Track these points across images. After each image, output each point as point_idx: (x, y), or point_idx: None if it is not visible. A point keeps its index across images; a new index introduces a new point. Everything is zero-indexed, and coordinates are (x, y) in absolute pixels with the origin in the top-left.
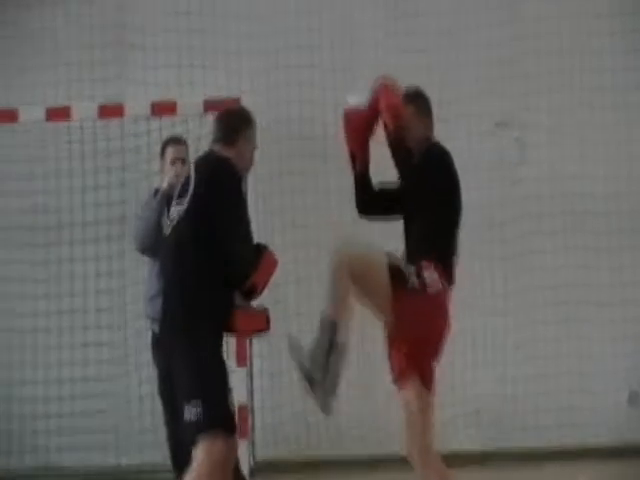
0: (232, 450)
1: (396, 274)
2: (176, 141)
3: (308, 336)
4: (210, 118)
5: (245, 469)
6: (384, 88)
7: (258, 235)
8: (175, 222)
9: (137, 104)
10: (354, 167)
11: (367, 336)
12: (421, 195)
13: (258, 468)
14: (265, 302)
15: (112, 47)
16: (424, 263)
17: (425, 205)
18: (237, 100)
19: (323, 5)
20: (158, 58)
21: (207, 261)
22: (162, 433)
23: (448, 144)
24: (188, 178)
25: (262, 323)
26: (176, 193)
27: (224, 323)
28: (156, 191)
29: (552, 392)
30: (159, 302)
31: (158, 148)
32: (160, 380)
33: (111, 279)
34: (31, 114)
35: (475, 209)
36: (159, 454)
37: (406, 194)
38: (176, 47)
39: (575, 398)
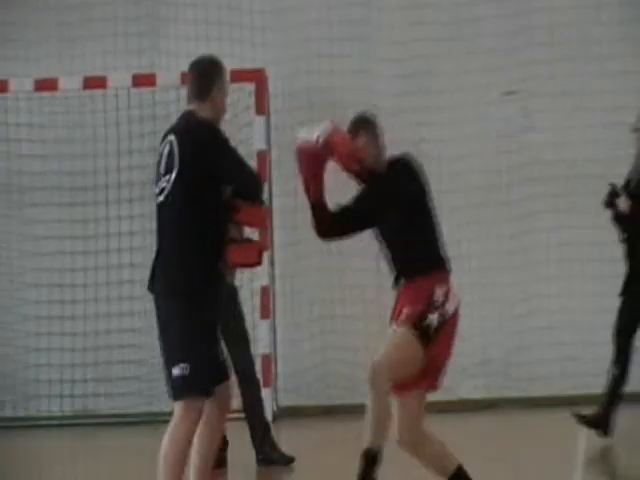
0: (228, 394)
1: (424, 335)
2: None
3: (326, 290)
4: (236, 86)
5: (269, 414)
6: (333, 132)
7: (278, 196)
8: (168, 191)
9: (168, 74)
10: (308, 196)
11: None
12: (395, 206)
13: (281, 413)
14: (288, 260)
15: (145, 20)
16: (432, 296)
17: (403, 216)
18: (261, 71)
19: None
20: (188, 31)
21: (203, 227)
22: None
23: (459, 113)
24: (171, 146)
25: (254, 257)
26: (163, 164)
27: (219, 285)
28: None
29: (555, 344)
30: None
31: None
32: None
33: (144, 236)
34: (70, 83)
35: (483, 173)
36: None
37: (379, 211)
38: (205, 21)
39: (577, 349)
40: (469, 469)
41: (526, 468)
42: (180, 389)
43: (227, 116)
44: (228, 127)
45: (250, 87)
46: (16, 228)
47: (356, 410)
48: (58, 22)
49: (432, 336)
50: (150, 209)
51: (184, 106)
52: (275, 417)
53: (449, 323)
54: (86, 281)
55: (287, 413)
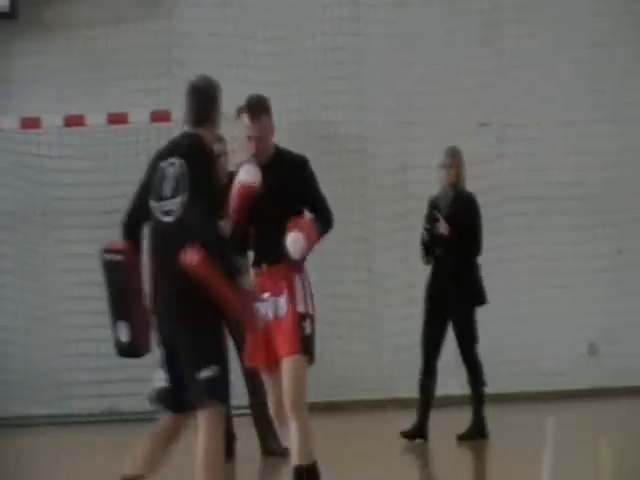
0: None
1: None
2: (217, 139)
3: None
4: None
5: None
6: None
7: None
8: (179, 212)
9: (183, 110)
10: (236, 228)
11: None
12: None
13: None
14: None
15: (161, 64)
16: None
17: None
18: None
19: (335, 29)
20: (200, 72)
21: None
22: None
23: (439, 142)
24: (179, 169)
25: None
26: (168, 189)
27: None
28: None
29: (524, 346)
30: None
31: None
32: None
33: None
34: (96, 119)
35: None
36: None
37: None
38: (214, 63)
39: (543, 350)
40: (452, 456)
41: (503, 455)
42: (211, 392)
43: (235, 147)
44: (236, 157)
45: None
46: (51, 248)
47: (353, 406)
48: (85, 65)
49: None
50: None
51: None
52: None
53: None
54: None
55: None
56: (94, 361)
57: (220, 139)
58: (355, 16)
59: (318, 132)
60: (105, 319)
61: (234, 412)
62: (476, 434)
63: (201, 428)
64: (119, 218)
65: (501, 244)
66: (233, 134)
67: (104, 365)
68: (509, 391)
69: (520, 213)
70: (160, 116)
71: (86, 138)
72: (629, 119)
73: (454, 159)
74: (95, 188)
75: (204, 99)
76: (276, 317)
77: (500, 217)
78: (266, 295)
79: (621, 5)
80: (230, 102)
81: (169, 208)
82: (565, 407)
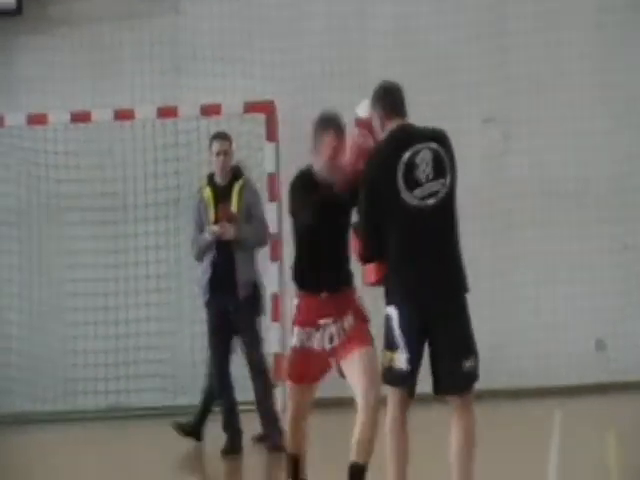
0: None
1: None
2: (221, 137)
3: None
4: (249, 117)
5: (279, 406)
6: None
7: (286, 222)
8: (436, 200)
9: (188, 106)
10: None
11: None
12: None
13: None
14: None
15: (168, 59)
16: None
17: None
18: (271, 102)
19: (340, 25)
20: (206, 68)
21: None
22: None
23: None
24: (436, 153)
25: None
26: (428, 168)
27: None
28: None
29: (532, 341)
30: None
31: (206, 142)
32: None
33: (168, 250)
34: (102, 115)
35: (467, 191)
36: None
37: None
38: (221, 59)
39: (551, 346)
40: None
41: (508, 452)
42: (473, 380)
43: (241, 142)
44: (242, 152)
45: (261, 117)
46: (56, 244)
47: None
48: (91, 61)
49: None
50: (173, 226)
51: (204, 134)
52: (285, 409)
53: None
54: (117, 290)
55: None
56: (99, 357)
57: None
58: (359, 12)
59: None
60: (110, 315)
61: (241, 407)
62: None
63: (466, 412)
64: (125, 215)
65: (506, 240)
66: (239, 131)
67: (109, 361)
68: (516, 387)
69: (525, 209)
70: (166, 112)
71: (92, 134)
72: (634, 114)
73: None
74: (102, 184)
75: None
76: (330, 344)
77: (505, 213)
78: (323, 321)
79: (626, 0)
80: (235, 97)
81: (433, 190)
82: (573, 402)
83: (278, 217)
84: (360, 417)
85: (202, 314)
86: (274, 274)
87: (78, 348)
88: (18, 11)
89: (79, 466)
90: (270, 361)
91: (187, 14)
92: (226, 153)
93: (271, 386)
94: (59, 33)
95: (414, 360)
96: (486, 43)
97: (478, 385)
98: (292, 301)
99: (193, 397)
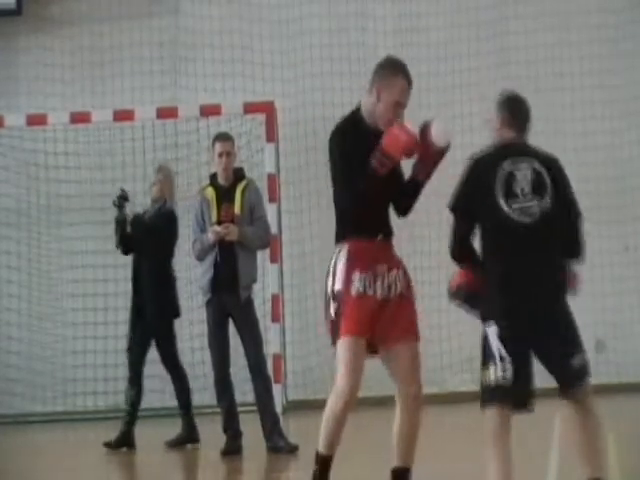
0: None
1: None
2: (224, 137)
3: None
4: (249, 117)
5: (278, 407)
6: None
7: (286, 213)
8: (540, 214)
9: (188, 107)
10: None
11: None
12: None
13: (289, 406)
14: (295, 270)
15: (167, 60)
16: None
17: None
18: (271, 103)
19: (340, 26)
20: (206, 69)
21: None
22: (210, 378)
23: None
24: (538, 173)
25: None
26: (527, 185)
27: None
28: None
29: None
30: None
31: (206, 143)
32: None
33: None
34: (101, 116)
35: None
36: (207, 396)
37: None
38: (221, 60)
39: None
40: (458, 453)
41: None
42: (585, 375)
43: (241, 143)
44: (243, 153)
45: (261, 117)
46: (55, 244)
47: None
48: (91, 62)
49: None
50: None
51: (204, 135)
52: (284, 410)
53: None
54: (116, 290)
55: (295, 406)
56: (99, 358)
57: None
58: (360, 12)
59: (324, 128)
60: (109, 316)
61: (240, 409)
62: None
63: (588, 405)
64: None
65: None
66: (239, 131)
67: (109, 362)
68: None
69: None
70: (166, 112)
71: (92, 135)
72: (635, 114)
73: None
74: (101, 185)
75: (528, 109)
76: (388, 294)
77: None
78: (380, 267)
79: (626, 0)
80: (235, 98)
81: (531, 205)
82: None
83: (278, 218)
84: (404, 416)
85: (201, 314)
86: (274, 275)
87: (78, 349)
88: (18, 11)
89: (79, 466)
90: (270, 361)
91: (187, 15)
92: (229, 154)
93: (271, 387)
94: (59, 33)
95: (519, 372)
96: (486, 43)
97: (476, 387)
98: (336, 251)
99: (192, 397)
